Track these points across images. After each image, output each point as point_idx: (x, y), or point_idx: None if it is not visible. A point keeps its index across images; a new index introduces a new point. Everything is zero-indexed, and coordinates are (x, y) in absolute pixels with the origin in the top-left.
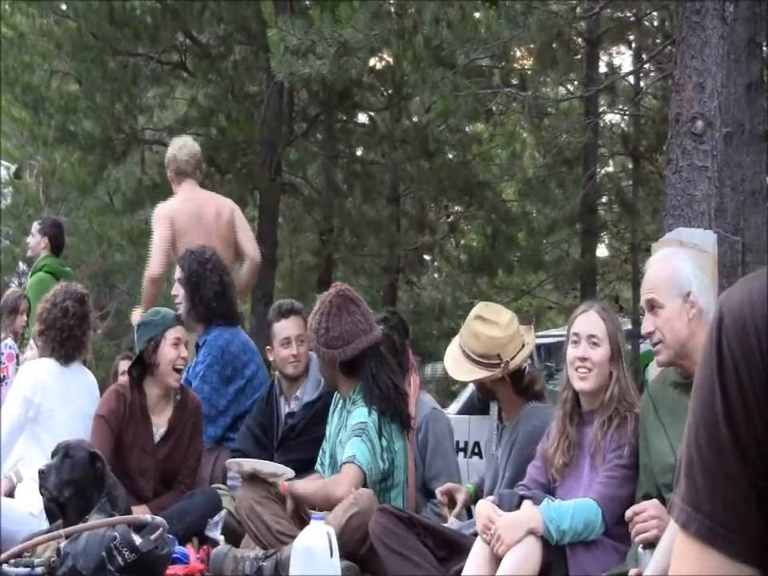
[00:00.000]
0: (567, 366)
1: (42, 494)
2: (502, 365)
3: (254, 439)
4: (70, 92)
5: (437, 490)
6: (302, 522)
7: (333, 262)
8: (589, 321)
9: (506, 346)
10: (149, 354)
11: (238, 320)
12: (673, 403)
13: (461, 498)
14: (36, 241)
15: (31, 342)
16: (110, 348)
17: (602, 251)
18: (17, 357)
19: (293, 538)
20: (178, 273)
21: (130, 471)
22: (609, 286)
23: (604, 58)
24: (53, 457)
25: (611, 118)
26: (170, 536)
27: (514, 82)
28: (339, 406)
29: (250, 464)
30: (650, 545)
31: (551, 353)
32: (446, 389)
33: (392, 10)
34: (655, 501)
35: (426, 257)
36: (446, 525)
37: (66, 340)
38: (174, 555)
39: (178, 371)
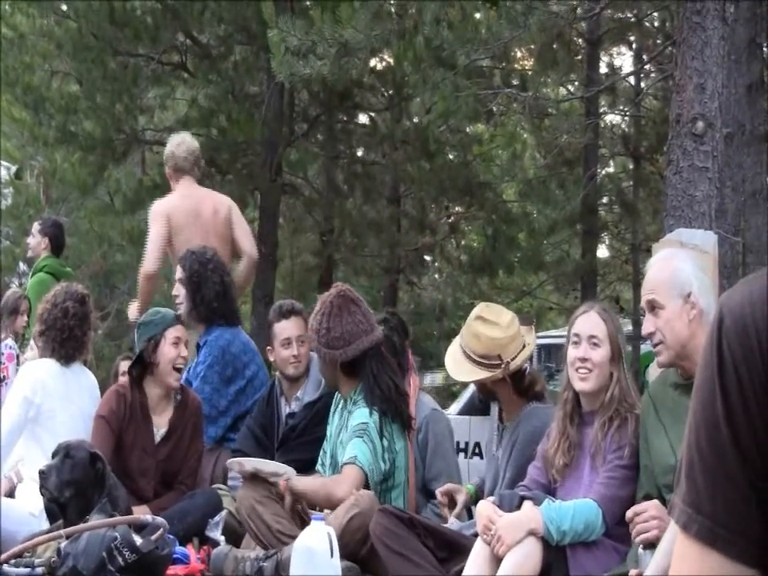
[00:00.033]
0: (568, 366)
1: (42, 495)
2: (503, 365)
3: (255, 440)
4: (71, 92)
5: (437, 491)
6: (302, 521)
7: (333, 263)
8: (589, 321)
9: (507, 347)
10: (149, 354)
11: (239, 320)
12: (673, 404)
13: (461, 498)
14: (36, 241)
15: (31, 342)
16: (110, 348)
17: (602, 252)
18: (17, 357)
19: (293, 538)
20: (179, 273)
21: (131, 471)
22: (609, 286)
23: (604, 58)
24: (53, 457)
25: (612, 118)
26: (171, 536)
27: (515, 82)
28: (340, 406)
29: (252, 463)
30: (651, 545)
31: (552, 353)
32: (447, 390)
33: (392, 10)
34: (656, 501)
35: (427, 257)
36: (446, 525)
37: (66, 340)
38: (175, 555)
39: (178, 370)
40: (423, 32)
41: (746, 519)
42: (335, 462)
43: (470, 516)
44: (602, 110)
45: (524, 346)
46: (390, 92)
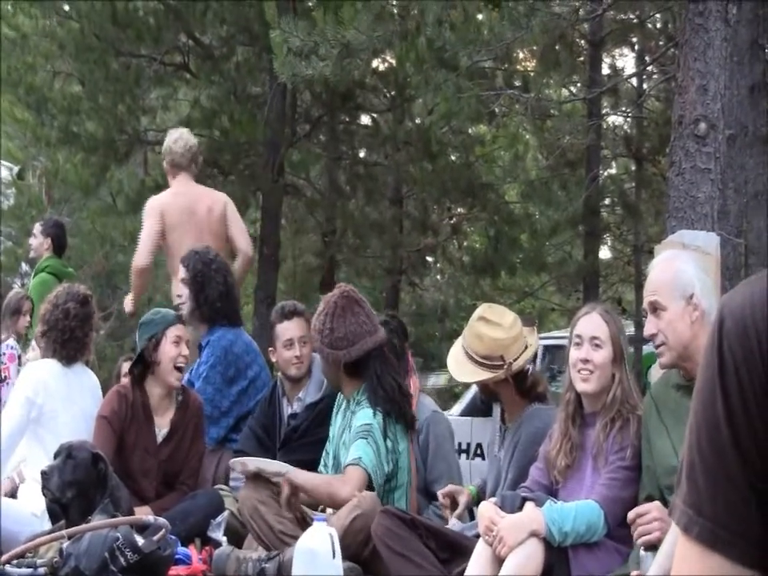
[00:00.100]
0: (570, 367)
1: (44, 495)
2: (505, 366)
3: (257, 440)
4: (73, 93)
5: (438, 492)
6: (303, 522)
7: (335, 264)
8: (591, 323)
9: (509, 348)
10: (149, 353)
11: (241, 321)
12: (675, 405)
13: (463, 499)
14: (38, 242)
15: (33, 342)
16: (112, 349)
17: (604, 253)
18: (18, 357)
19: (296, 538)
20: (182, 273)
21: (133, 472)
22: (611, 288)
23: (607, 59)
24: (55, 458)
25: (614, 119)
26: (173, 537)
27: (517, 83)
28: (343, 407)
29: (254, 463)
30: (652, 547)
31: (554, 354)
32: (449, 391)
33: (395, 11)
34: (657, 503)
35: (429, 258)
36: (447, 526)
37: (67, 341)
38: (177, 556)
39: (179, 369)
40: (425, 33)
41: (746, 521)
42: (338, 463)
43: (472, 517)
44: (604, 112)
45: (526, 347)
46: (393, 93)
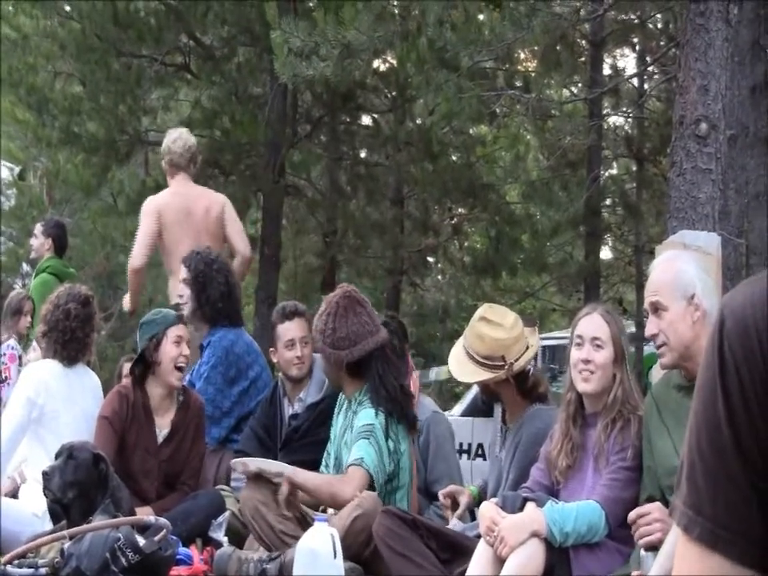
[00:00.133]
0: (571, 368)
1: (45, 496)
2: (506, 366)
3: (258, 441)
4: (74, 93)
5: (439, 493)
6: (305, 522)
7: (336, 264)
8: (592, 323)
9: (511, 348)
10: (150, 352)
11: (243, 321)
12: (676, 405)
13: (463, 500)
14: (39, 242)
15: (34, 343)
16: (113, 349)
17: (605, 253)
18: (19, 358)
19: (297, 539)
20: (183, 273)
21: (134, 473)
22: (612, 288)
23: (608, 60)
24: (56, 458)
25: (615, 120)
26: (174, 537)
27: (518, 84)
28: (344, 407)
29: (256, 463)
30: (653, 548)
31: (555, 355)
32: (450, 390)
33: (395, 11)
34: (659, 504)
35: (430, 259)
36: (448, 527)
37: (68, 342)
38: (178, 556)
39: (180, 369)
40: (426, 33)
41: (747, 521)
42: (339, 463)
43: (473, 518)
44: (605, 112)
45: (527, 348)
46: (393, 93)
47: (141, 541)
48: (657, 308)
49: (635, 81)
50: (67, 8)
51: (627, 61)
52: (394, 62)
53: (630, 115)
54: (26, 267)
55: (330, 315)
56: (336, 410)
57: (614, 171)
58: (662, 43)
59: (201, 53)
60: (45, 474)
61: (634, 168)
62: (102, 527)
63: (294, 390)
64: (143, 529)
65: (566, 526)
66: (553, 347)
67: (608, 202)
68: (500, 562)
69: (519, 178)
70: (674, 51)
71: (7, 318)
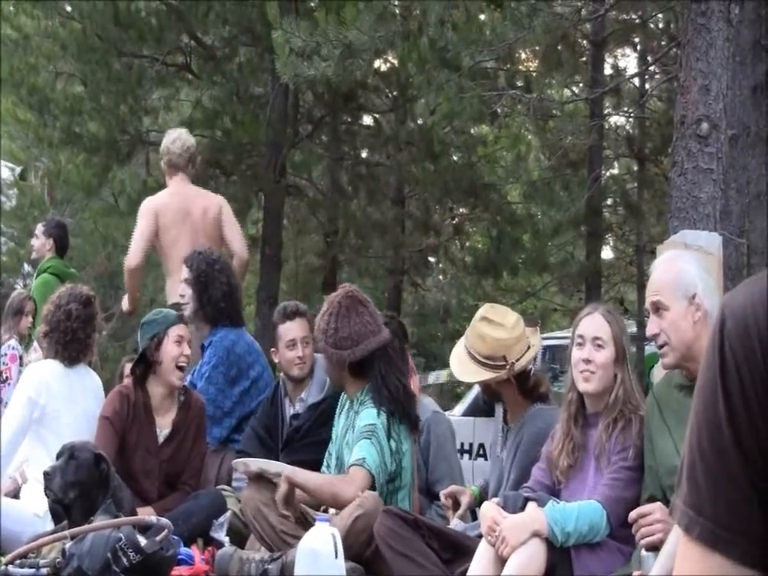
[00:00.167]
0: (572, 367)
1: (47, 496)
2: (508, 366)
3: (259, 441)
4: (75, 93)
5: (441, 493)
6: (305, 522)
7: (338, 264)
8: (594, 323)
9: (512, 348)
10: (151, 352)
11: (244, 321)
12: (678, 405)
13: (465, 500)
14: (41, 242)
15: (35, 343)
16: (115, 349)
17: (606, 253)
18: (20, 358)
19: (298, 538)
20: (185, 273)
21: (135, 473)
22: (614, 288)
23: (609, 60)
24: (58, 458)
25: (616, 120)
26: (175, 537)
27: (519, 84)
28: (346, 407)
29: (257, 464)
30: (654, 548)
31: (556, 355)
32: (451, 391)
33: (397, 11)
34: (660, 504)
35: (431, 259)
36: (450, 526)
37: (69, 342)
38: (179, 556)
39: (181, 369)
40: (427, 33)
41: (747, 520)
42: (341, 463)
43: (474, 518)
44: (606, 112)
45: (529, 347)
46: (395, 93)
47: (142, 541)
48: (658, 308)
49: (636, 81)
50: (68, 8)
51: (628, 61)
52: (395, 61)
53: (631, 115)
54: (27, 267)
55: (332, 315)
56: (338, 410)
57: (615, 171)
58: (663, 43)
59: (202, 53)
60: (46, 474)
61: (635, 168)
62: (104, 527)
63: (295, 390)
64: (145, 529)
65: (568, 525)
66: (554, 347)
67: (609, 201)
68: (501, 561)
69: (520, 178)
70: (675, 51)
71: (8, 318)
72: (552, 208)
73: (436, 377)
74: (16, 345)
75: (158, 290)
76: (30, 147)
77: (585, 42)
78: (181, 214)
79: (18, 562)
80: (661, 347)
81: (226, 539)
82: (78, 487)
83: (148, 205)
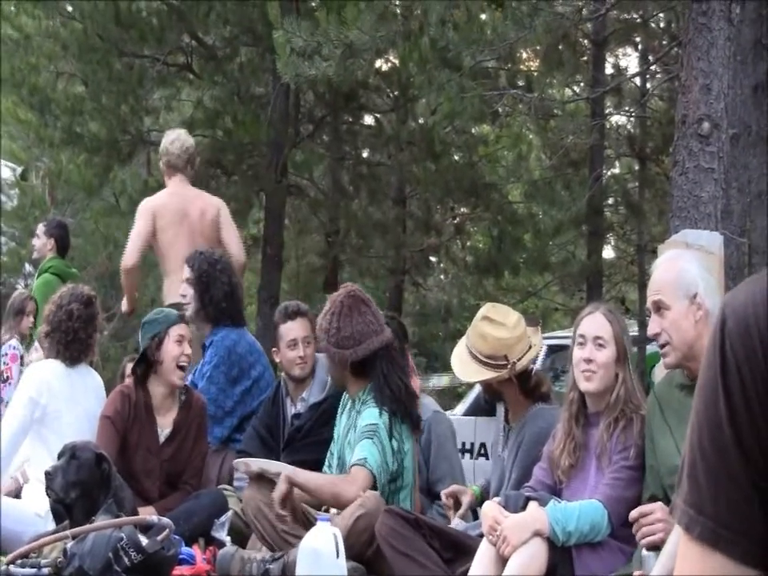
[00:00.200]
0: (573, 367)
1: (48, 496)
2: (509, 366)
3: (260, 440)
4: (76, 93)
5: (442, 493)
6: (307, 521)
7: (339, 264)
8: (595, 322)
9: (513, 347)
10: (152, 352)
11: (245, 321)
12: (679, 405)
13: (466, 500)
14: (42, 242)
15: (36, 343)
16: (116, 349)
17: (608, 253)
18: (21, 358)
19: (299, 538)
20: (187, 273)
21: (136, 472)
22: (615, 287)
23: (610, 59)
24: (59, 458)
25: (617, 119)
26: (177, 537)
27: (520, 83)
28: (348, 406)
29: (258, 464)
30: (655, 547)
31: (557, 354)
32: (452, 391)
33: (398, 11)
34: (661, 504)
35: (432, 258)
36: (451, 526)
37: (71, 342)
38: (181, 556)
39: (182, 368)
40: (429, 33)
41: (748, 520)
42: (342, 463)
43: (476, 518)
44: (607, 111)
45: (530, 347)
46: (396, 93)
47: (144, 540)
48: (659, 307)
49: (637, 80)
50: (69, 8)
51: (629, 60)
52: (397, 61)
53: (633, 114)
54: (28, 267)
55: (334, 314)
56: (339, 410)
57: (617, 170)
58: (664, 42)
59: (203, 53)
60: (47, 473)
61: (637, 167)
62: (105, 527)
63: (296, 390)
64: (146, 528)
65: (569, 525)
66: (555, 346)
67: (610, 201)
68: (502, 561)
69: (521, 178)
70: (677, 50)
71: (10, 318)
72: (553, 207)
73: (436, 381)
74: (17, 344)
75: (158, 290)
76: (31, 147)
77: (586, 41)
78: (179, 215)
79: (19, 561)
80: (662, 347)
81: (228, 539)
82: (80, 487)
83: (146, 205)
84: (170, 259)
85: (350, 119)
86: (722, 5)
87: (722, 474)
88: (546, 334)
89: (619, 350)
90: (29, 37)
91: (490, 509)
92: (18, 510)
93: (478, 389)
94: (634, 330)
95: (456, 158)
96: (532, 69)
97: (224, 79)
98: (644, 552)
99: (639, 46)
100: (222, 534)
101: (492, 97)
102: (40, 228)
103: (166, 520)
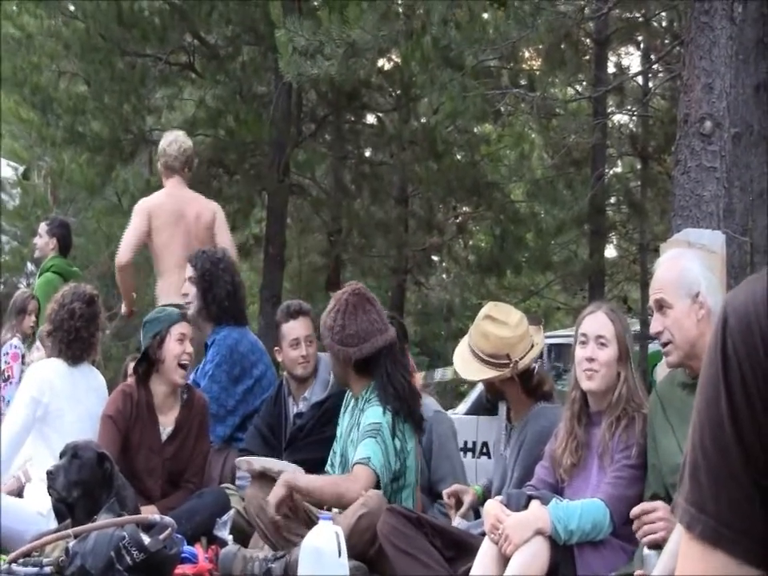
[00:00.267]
0: (575, 366)
1: (50, 495)
2: (511, 365)
3: (262, 439)
4: (79, 93)
5: (443, 492)
6: (309, 520)
7: (341, 263)
8: (597, 321)
9: (516, 346)
10: (154, 350)
11: (247, 320)
12: (681, 404)
13: (467, 499)
14: (44, 242)
15: (37, 342)
16: (118, 348)
17: (610, 252)
18: (22, 357)
19: (301, 537)
20: (189, 271)
21: (138, 471)
22: (617, 286)
23: (612, 58)
24: (61, 457)
25: (620, 118)
26: (179, 536)
27: (523, 82)
28: (351, 405)
29: (260, 462)
30: (656, 546)
31: (560, 353)
32: (455, 389)
33: (400, 10)
34: (662, 502)
35: (435, 257)
36: (452, 525)
37: (73, 341)
38: (183, 555)
39: (183, 367)
40: (431, 32)
41: (750, 518)
42: (345, 461)
43: (477, 517)
44: (609, 110)
45: (532, 346)
46: (398, 92)
47: (146, 539)
48: (661, 306)
49: (640, 79)
50: (71, 7)
51: (632, 59)
52: (399, 60)
53: (635, 113)
54: (30, 266)
55: (339, 312)
56: (342, 409)
57: (619, 169)
58: (666, 41)
59: (205, 52)
60: (49, 473)
61: (639, 166)
62: (107, 526)
63: (298, 389)
64: (148, 527)
65: (571, 523)
66: (557, 345)
67: (612, 200)
68: (504, 559)
69: (524, 177)
70: (679, 49)
71: (11, 317)
72: (555, 206)
73: (442, 374)
74: (19, 343)
75: (132, 281)
76: (33, 146)
77: (588, 40)
78: (174, 216)
79: (21, 560)
80: (664, 345)
81: (230, 537)
82: (82, 486)
83: (142, 205)
84: (164, 260)
85: (353, 118)
86: (725, 4)
87: (723, 473)
88: (548, 333)
89: (621, 348)
90: (31, 36)
91: (492, 507)
92: (20, 509)
93: (480, 388)
94: (636, 329)
95: (458, 157)
96: (534, 68)
97: (226, 78)
98: (646, 551)
99: (641, 45)
100: (225, 533)
101: (494, 96)
102: (42, 227)
103: (168, 519)
